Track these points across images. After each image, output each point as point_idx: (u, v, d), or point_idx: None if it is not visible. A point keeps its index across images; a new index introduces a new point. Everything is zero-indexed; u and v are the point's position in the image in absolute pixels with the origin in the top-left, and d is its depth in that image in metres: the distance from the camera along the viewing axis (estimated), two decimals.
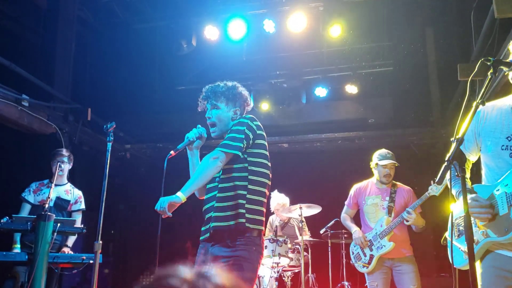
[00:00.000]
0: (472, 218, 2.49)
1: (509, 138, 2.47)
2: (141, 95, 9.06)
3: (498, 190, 2.43)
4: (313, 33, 7.78)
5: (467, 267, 2.44)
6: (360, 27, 7.89)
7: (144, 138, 9.15)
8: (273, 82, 8.75)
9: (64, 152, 5.43)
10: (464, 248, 2.51)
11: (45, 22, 7.68)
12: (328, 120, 8.63)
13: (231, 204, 2.88)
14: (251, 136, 3.00)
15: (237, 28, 7.69)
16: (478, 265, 2.51)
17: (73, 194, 5.47)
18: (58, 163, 5.23)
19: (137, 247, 8.99)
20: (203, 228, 3.02)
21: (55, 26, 7.36)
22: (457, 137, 2.32)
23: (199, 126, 3.21)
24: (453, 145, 2.30)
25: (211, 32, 7.89)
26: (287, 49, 8.54)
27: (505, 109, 2.55)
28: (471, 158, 2.73)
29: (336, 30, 7.46)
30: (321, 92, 8.41)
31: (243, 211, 2.87)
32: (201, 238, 3.02)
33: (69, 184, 5.51)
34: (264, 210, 3.03)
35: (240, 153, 2.92)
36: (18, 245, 5.09)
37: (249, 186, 2.95)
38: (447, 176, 2.77)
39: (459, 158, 2.28)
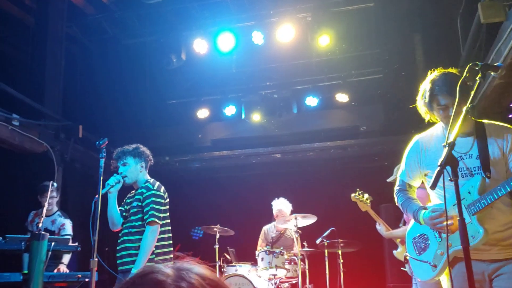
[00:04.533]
0: (435, 232, 2.72)
1: None
2: (132, 110, 9.03)
3: (455, 204, 2.47)
4: (301, 43, 7.83)
5: (433, 280, 2.73)
6: (348, 36, 7.96)
7: None
8: (264, 93, 8.78)
9: (51, 186, 5.43)
10: (430, 261, 2.73)
11: (34, 40, 7.67)
12: (320, 129, 8.65)
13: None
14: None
15: (226, 41, 7.74)
16: (447, 272, 2.66)
17: (57, 223, 5.51)
18: (46, 198, 5.24)
19: None
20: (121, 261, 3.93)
21: (44, 44, 7.35)
22: (449, 142, 2.35)
23: (115, 174, 3.85)
24: (445, 150, 2.33)
25: (200, 46, 7.93)
26: (276, 59, 8.60)
27: (441, 139, 2.73)
28: (415, 184, 2.98)
29: (324, 40, 7.51)
30: (312, 101, 8.45)
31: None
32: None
33: (57, 213, 5.59)
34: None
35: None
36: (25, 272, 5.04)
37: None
38: (396, 198, 3.01)
39: (452, 162, 2.31)
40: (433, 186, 2.36)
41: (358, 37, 8.10)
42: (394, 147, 8.08)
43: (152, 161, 4.09)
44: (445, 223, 2.57)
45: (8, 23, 8.14)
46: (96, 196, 3.67)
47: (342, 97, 8.38)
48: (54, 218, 5.51)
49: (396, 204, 3.03)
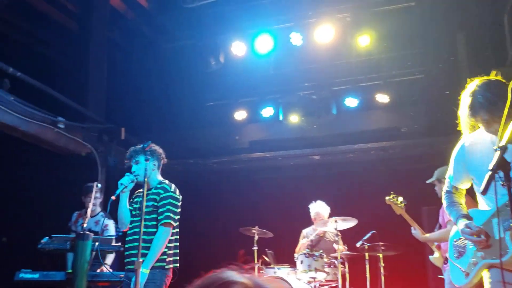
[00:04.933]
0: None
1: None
2: (171, 113, 9.16)
3: (493, 215, 2.57)
4: (341, 43, 7.76)
5: (468, 286, 2.73)
6: (389, 35, 7.82)
7: (175, 155, 9.13)
8: (302, 94, 8.70)
9: (95, 187, 5.54)
10: (464, 268, 2.74)
11: (77, 45, 7.88)
12: (360, 130, 8.49)
13: None
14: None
15: (264, 43, 7.77)
16: (486, 279, 2.64)
17: (100, 224, 5.58)
18: (90, 199, 5.35)
19: None
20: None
21: (87, 48, 7.55)
22: (500, 145, 2.27)
23: (128, 174, 3.90)
24: (497, 154, 2.25)
25: (238, 48, 7.99)
26: (315, 60, 8.52)
27: (488, 144, 2.67)
28: (463, 187, 2.94)
29: (364, 40, 7.43)
30: (351, 102, 8.32)
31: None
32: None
33: (100, 214, 5.68)
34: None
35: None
36: (69, 271, 5.20)
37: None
38: (443, 199, 3.00)
39: (504, 166, 2.24)
40: (484, 191, 2.30)
41: (399, 37, 7.93)
42: (436, 149, 7.89)
43: (165, 160, 4.10)
44: (476, 239, 2.61)
45: (52, 28, 8.40)
46: (112, 198, 3.72)
47: (382, 98, 8.22)
48: (97, 219, 5.61)
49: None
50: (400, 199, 4.97)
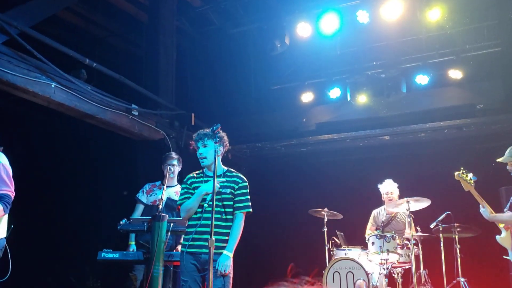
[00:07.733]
0: None
1: None
2: (239, 97, 9.29)
3: None
4: (409, 19, 7.48)
5: None
6: (461, 8, 7.46)
7: (244, 139, 9.36)
8: (370, 73, 8.48)
9: (174, 155, 5.74)
10: None
11: (147, 35, 8.18)
12: (432, 108, 8.15)
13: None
14: None
15: (330, 22, 7.62)
16: None
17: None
18: (169, 166, 5.52)
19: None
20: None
21: (157, 38, 7.79)
22: None
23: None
24: None
25: (303, 29, 7.90)
26: (383, 38, 8.31)
27: None
28: None
29: (434, 14, 7.12)
30: (422, 79, 8.00)
31: None
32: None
33: (178, 185, 5.68)
34: None
35: None
36: (133, 242, 5.48)
37: None
38: None
39: None
40: None
41: (472, 8, 7.53)
42: None
43: (229, 146, 4.13)
44: None
45: (123, 20, 8.78)
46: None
47: (455, 74, 7.84)
48: (177, 190, 5.57)
49: None
50: (470, 175, 4.84)
